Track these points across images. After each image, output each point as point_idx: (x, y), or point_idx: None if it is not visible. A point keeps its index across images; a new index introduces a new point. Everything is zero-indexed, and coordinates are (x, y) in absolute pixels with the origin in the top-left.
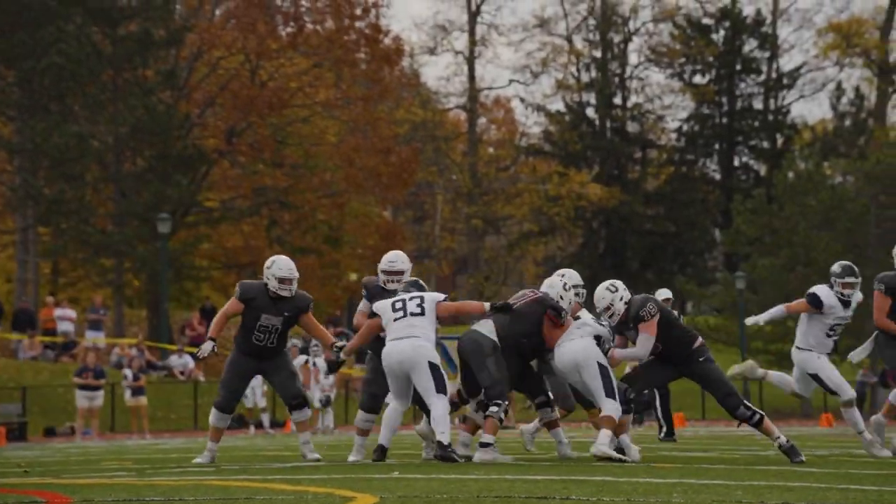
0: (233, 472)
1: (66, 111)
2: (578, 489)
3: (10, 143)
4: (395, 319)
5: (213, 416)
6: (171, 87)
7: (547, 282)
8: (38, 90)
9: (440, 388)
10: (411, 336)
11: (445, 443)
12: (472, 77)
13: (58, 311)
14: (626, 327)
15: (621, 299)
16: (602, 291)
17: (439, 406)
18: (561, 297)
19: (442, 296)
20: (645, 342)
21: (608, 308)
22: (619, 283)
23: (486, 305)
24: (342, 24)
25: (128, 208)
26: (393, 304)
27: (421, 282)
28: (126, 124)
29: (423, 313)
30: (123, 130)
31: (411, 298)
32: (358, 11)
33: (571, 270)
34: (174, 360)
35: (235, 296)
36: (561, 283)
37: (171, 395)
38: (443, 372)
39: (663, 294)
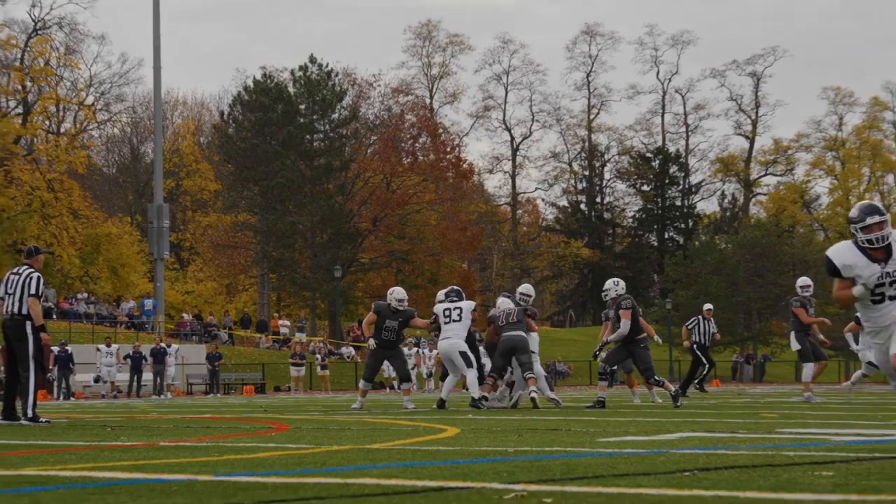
0: (375, 413)
1: (285, 209)
2: (577, 424)
3: (255, 227)
4: (445, 323)
5: (361, 383)
6: (342, 194)
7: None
8: (270, 197)
9: (469, 365)
10: (448, 337)
11: (476, 397)
12: (513, 186)
13: (280, 321)
14: (611, 307)
15: (616, 284)
16: (609, 283)
17: (470, 375)
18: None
19: (474, 304)
20: (624, 325)
21: (608, 291)
22: (620, 281)
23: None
24: (439, 156)
25: (318, 264)
26: (444, 311)
27: (460, 289)
28: (317, 216)
29: (459, 319)
30: (315, 219)
31: (455, 308)
32: (448, 149)
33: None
34: (344, 350)
35: (372, 310)
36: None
37: (342, 370)
38: (470, 356)
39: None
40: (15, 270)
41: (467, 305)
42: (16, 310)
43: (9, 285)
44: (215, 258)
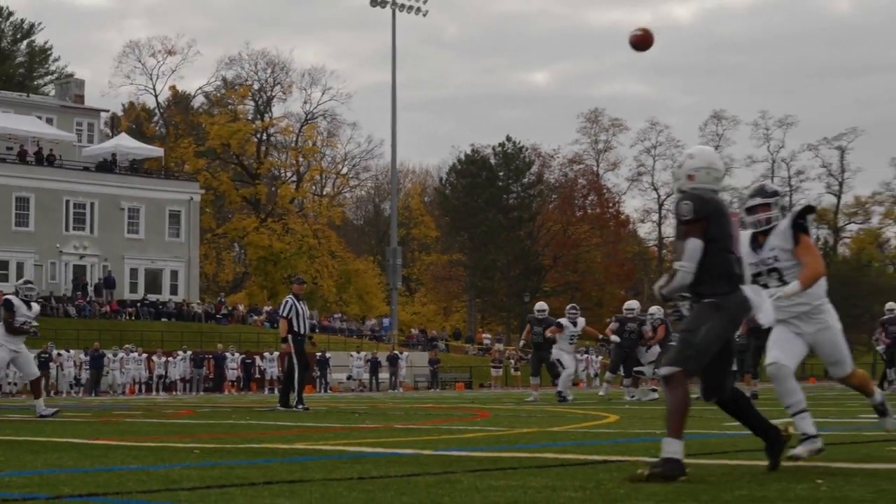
0: (552, 404)
1: (487, 250)
2: (709, 412)
3: (465, 264)
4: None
5: (531, 378)
6: (530, 238)
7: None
8: (476, 241)
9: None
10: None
11: (561, 390)
12: (660, 232)
13: (484, 335)
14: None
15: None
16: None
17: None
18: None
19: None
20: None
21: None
22: None
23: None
24: (603, 210)
25: (512, 291)
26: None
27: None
28: (511, 255)
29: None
30: (510, 258)
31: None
32: (610, 205)
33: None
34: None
35: (527, 321)
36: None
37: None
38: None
39: None
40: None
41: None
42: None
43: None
44: (435, 287)
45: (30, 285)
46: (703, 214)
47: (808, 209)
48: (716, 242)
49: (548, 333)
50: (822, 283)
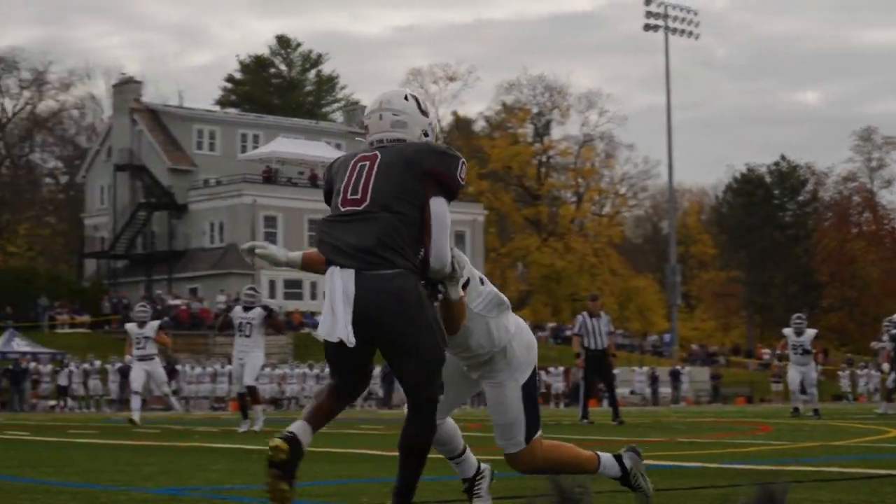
0: (835, 418)
1: (765, 267)
2: None
3: (743, 281)
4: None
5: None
6: (807, 255)
7: None
8: (754, 258)
9: None
10: None
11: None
12: None
13: (763, 350)
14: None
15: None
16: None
17: None
18: None
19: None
20: None
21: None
22: None
23: None
24: (879, 227)
25: (789, 307)
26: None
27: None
28: (788, 272)
29: None
30: (787, 275)
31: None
32: (885, 222)
33: None
34: None
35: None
36: None
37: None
38: None
39: None
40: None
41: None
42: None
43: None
44: (714, 304)
45: (251, 292)
46: None
47: None
48: None
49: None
50: None
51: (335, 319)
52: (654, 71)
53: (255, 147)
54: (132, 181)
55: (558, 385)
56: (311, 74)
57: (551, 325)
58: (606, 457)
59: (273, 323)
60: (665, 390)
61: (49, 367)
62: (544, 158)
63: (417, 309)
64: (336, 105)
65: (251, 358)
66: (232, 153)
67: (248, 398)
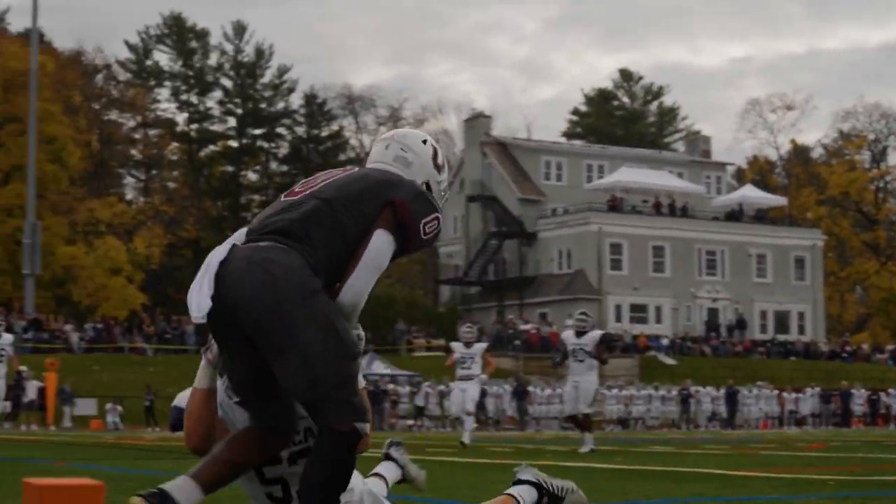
0: None
1: None
2: None
3: None
4: None
5: None
6: None
7: None
8: None
9: None
10: None
11: None
12: None
13: None
14: None
15: None
16: None
17: None
18: None
19: None
20: None
21: None
22: None
23: None
24: None
25: None
26: None
27: None
28: None
29: None
30: None
31: None
32: None
33: None
34: None
35: None
36: None
37: None
38: None
39: None
40: None
41: None
42: None
43: None
44: None
45: (582, 317)
46: None
47: None
48: None
49: None
50: None
51: (193, 293)
52: None
53: (601, 177)
54: (484, 211)
55: None
56: (653, 106)
57: (890, 347)
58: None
59: (603, 349)
60: None
61: (407, 389)
62: (881, 184)
63: (299, 291)
64: (677, 135)
65: (585, 382)
66: (578, 183)
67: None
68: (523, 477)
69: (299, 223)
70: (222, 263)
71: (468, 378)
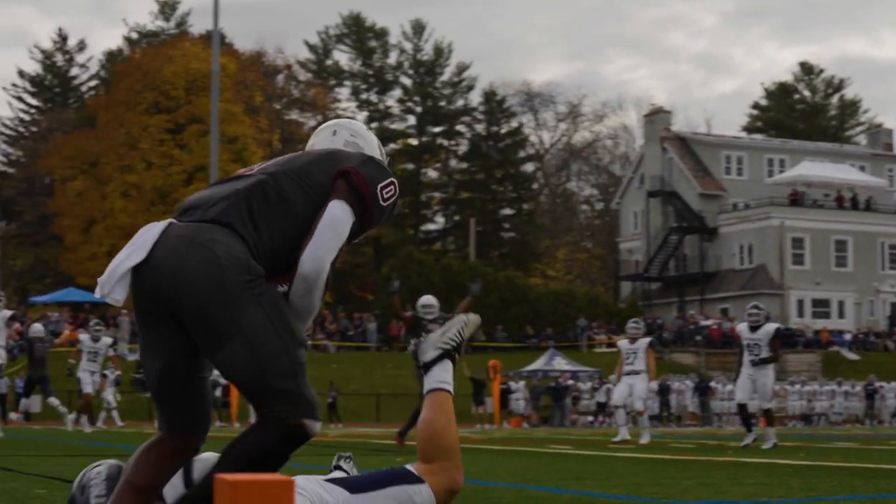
0: None
1: None
2: None
3: None
4: None
5: None
6: None
7: None
8: None
9: None
10: None
11: None
12: None
13: None
14: None
15: None
16: None
17: None
18: None
19: None
20: None
21: None
22: None
23: None
24: None
25: None
26: None
27: None
28: None
29: None
30: None
31: None
32: None
33: None
34: None
35: None
36: None
37: None
38: None
39: None
40: None
41: None
42: None
43: None
44: None
45: (755, 311)
46: None
47: None
48: None
49: None
50: None
51: (108, 272)
52: None
53: (782, 171)
54: (664, 206)
55: None
56: (835, 99)
57: None
58: None
59: (777, 344)
60: None
61: (588, 385)
62: None
63: (244, 273)
64: (859, 128)
65: (762, 376)
66: (759, 177)
67: (763, 418)
68: (428, 359)
69: (243, 195)
70: (158, 242)
71: (634, 373)
